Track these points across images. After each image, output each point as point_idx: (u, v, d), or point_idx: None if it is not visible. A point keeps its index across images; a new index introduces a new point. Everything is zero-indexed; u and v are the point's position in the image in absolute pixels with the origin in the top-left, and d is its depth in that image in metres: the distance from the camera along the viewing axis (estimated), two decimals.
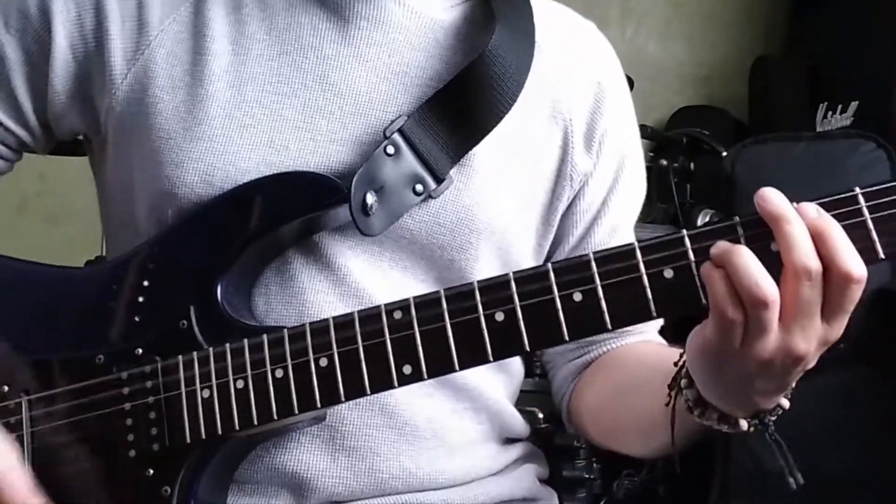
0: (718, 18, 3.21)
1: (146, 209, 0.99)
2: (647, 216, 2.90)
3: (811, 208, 0.76)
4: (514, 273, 0.83)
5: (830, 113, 2.64)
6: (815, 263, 0.74)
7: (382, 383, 0.86)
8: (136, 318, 0.95)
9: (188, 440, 0.91)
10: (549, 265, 0.82)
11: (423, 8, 1.03)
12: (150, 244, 0.98)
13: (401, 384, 0.85)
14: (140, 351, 0.94)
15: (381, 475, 0.98)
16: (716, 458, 2.34)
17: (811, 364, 0.80)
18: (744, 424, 0.86)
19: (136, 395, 0.93)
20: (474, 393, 1.04)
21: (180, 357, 0.92)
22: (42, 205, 2.89)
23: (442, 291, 0.85)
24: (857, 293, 0.76)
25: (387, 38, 1.02)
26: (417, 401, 0.99)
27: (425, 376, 0.85)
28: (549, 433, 1.82)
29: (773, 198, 0.76)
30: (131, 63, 1.00)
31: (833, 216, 0.76)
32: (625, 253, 0.81)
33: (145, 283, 0.96)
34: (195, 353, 0.92)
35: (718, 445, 2.33)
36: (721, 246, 0.77)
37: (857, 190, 0.77)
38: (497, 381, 1.08)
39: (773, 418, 0.87)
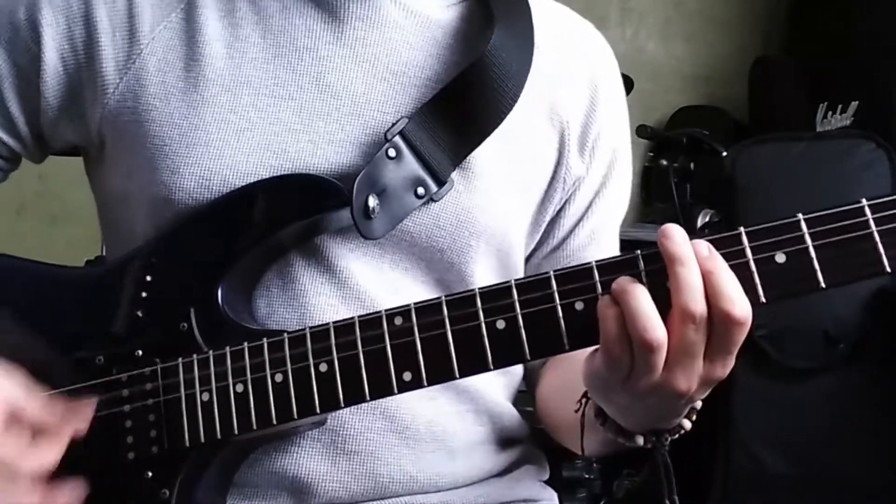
0: (718, 18, 3.22)
1: (144, 216, 0.99)
2: (647, 216, 2.91)
3: (703, 247, 0.77)
4: (515, 280, 0.83)
5: (830, 113, 2.64)
6: (700, 308, 0.75)
7: (382, 390, 0.85)
8: (137, 320, 0.95)
9: (187, 443, 0.90)
10: (552, 273, 0.82)
11: (419, 6, 1.03)
12: (151, 245, 0.97)
13: (400, 391, 0.85)
14: (140, 352, 0.94)
15: (381, 479, 0.98)
16: (716, 459, 2.35)
17: (698, 398, 0.82)
18: (639, 440, 0.88)
19: (136, 397, 0.93)
20: (476, 395, 1.04)
21: (180, 359, 0.92)
22: (42, 205, 2.89)
23: (443, 298, 0.84)
24: (739, 335, 0.77)
25: (383, 38, 1.01)
26: (419, 404, 0.99)
27: (425, 383, 0.84)
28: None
29: (673, 236, 0.77)
30: (123, 72, 1.00)
31: (839, 228, 0.76)
32: (627, 262, 0.80)
33: (146, 284, 0.96)
34: (195, 355, 0.92)
35: (719, 446, 2.34)
36: (621, 283, 0.78)
37: (864, 202, 0.76)
38: (498, 383, 1.08)
39: (672, 437, 0.88)
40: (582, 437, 0.93)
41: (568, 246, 1.09)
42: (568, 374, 1.01)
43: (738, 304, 0.75)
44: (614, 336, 0.77)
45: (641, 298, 0.76)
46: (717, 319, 0.76)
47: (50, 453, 0.87)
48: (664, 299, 0.77)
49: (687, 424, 0.87)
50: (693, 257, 0.76)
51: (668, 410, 0.84)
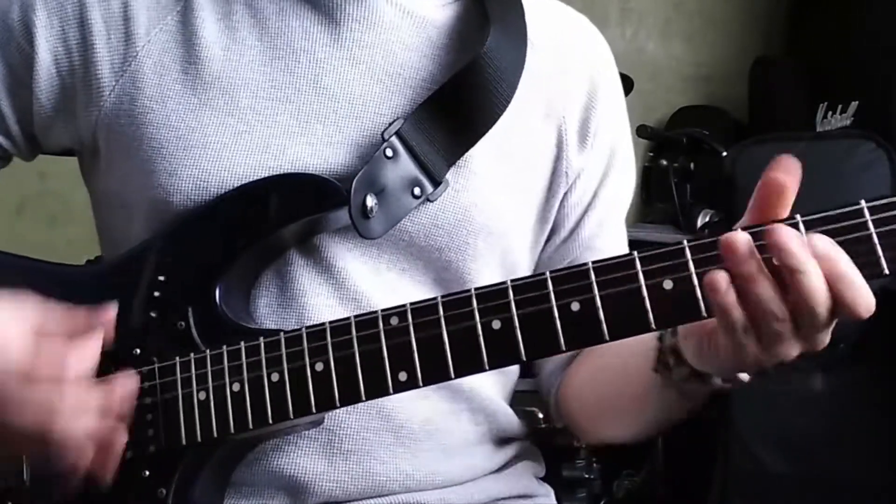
0: (718, 18, 3.21)
1: (141, 218, 0.99)
2: (647, 216, 2.91)
3: (823, 243, 0.74)
4: (511, 281, 0.83)
5: (830, 113, 2.63)
6: (825, 309, 0.74)
7: (378, 390, 0.85)
8: (135, 319, 0.95)
9: (184, 442, 0.91)
10: (548, 273, 0.82)
11: (414, 7, 1.03)
12: (149, 245, 0.98)
13: (396, 391, 0.85)
14: (138, 351, 0.94)
15: (378, 478, 0.98)
16: (716, 459, 2.35)
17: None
18: (745, 377, 0.86)
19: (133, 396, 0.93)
20: (470, 394, 1.04)
21: (177, 358, 0.92)
22: (42, 205, 2.88)
23: (439, 298, 0.84)
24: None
25: (379, 39, 1.01)
26: (414, 403, 0.99)
27: (420, 383, 0.85)
28: (549, 433, 1.82)
29: (793, 247, 0.73)
30: (119, 75, 1.00)
31: (838, 229, 0.75)
32: (624, 263, 0.80)
33: (143, 284, 0.96)
34: (192, 354, 0.92)
35: (718, 446, 2.33)
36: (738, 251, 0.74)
37: (863, 203, 0.75)
38: (493, 382, 1.08)
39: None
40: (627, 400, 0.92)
41: (578, 236, 1.10)
42: (612, 355, 0.99)
43: (867, 301, 0.74)
44: (732, 303, 0.75)
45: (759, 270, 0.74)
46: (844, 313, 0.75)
47: (88, 349, 0.87)
48: (659, 300, 0.78)
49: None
50: (813, 262, 0.73)
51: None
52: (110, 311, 0.91)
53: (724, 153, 2.52)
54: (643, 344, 0.91)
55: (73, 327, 0.88)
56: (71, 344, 0.87)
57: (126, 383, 0.89)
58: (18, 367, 0.84)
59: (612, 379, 1.02)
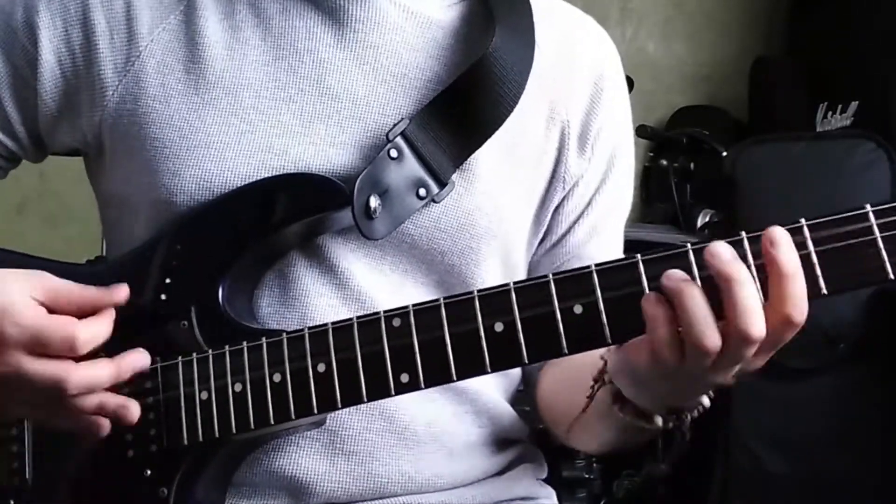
0: (718, 18, 3.21)
1: (145, 218, 0.99)
2: (647, 216, 2.90)
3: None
4: (514, 283, 0.83)
5: (830, 113, 2.63)
6: (759, 331, 0.74)
7: (379, 391, 0.85)
8: (138, 318, 0.95)
9: (186, 442, 0.91)
10: (550, 276, 0.82)
11: (419, 8, 1.03)
12: (152, 244, 0.98)
13: (398, 392, 0.85)
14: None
15: (380, 479, 0.98)
16: (716, 459, 2.35)
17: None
18: (659, 421, 0.87)
19: (136, 396, 0.93)
20: (475, 396, 1.04)
21: (180, 358, 0.92)
22: (42, 205, 2.89)
23: (442, 300, 0.84)
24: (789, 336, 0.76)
25: (383, 40, 1.01)
26: (417, 405, 0.99)
27: (422, 385, 0.85)
28: (549, 433, 1.82)
29: (721, 255, 0.74)
30: (122, 75, 1.00)
31: (842, 233, 0.75)
32: (627, 266, 0.80)
33: (147, 283, 0.96)
34: (195, 354, 0.92)
35: (718, 446, 2.33)
36: (675, 282, 0.75)
37: (868, 207, 0.75)
38: (496, 384, 1.08)
39: (691, 415, 0.87)
40: (575, 419, 0.91)
41: (568, 242, 1.09)
42: (573, 365, 1.00)
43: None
44: (666, 340, 0.76)
45: (699, 300, 0.75)
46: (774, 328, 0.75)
47: (100, 325, 0.89)
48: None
49: (706, 401, 0.86)
50: (748, 275, 0.74)
51: (697, 394, 0.84)
52: (123, 290, 0.92)
53: (724, 153, 2.52)
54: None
55: (85, 302, 0.90)
56: (83, 318, 0.88)
57: (138, 359, 0.91)
58: (27, 334, 0.85)
59: (570, 389, 1.01)
